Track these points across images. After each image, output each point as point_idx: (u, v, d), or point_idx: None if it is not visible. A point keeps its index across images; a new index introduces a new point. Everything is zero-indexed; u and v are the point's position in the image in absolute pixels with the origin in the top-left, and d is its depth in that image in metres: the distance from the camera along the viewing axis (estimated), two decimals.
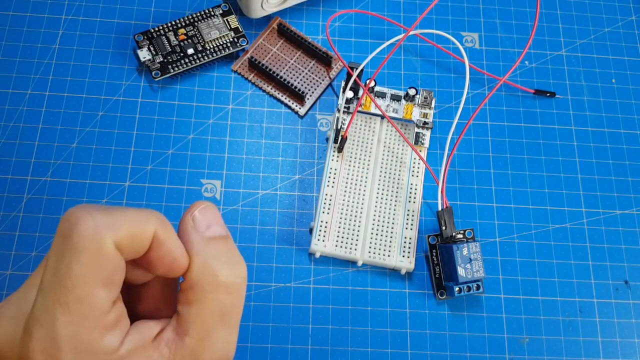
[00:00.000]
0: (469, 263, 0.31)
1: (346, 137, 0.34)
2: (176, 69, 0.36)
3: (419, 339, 0.32)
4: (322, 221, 0.33)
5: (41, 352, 0.17)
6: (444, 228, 0.32)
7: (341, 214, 0.33)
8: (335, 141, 0.34)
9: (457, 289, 0.31)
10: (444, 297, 0.33)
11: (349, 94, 0.34)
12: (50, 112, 0.35)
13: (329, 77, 0.37)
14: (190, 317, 0.19)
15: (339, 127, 0.34)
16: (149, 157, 0.35)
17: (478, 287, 0.31)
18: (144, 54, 0.36)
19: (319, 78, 0.37)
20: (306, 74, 0.37)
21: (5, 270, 0.32)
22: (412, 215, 0.34)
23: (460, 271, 0.30)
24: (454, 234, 0.32)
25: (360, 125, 0.35)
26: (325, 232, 0.33)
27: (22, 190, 0.34)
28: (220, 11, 0.37)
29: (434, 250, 0.33)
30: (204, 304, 0.19)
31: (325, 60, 0.37)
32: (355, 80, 0.34)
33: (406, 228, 0.33)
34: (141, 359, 0.18)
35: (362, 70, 0.34)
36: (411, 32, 0.34)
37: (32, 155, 0.34)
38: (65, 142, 0.35)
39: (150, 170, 0.34)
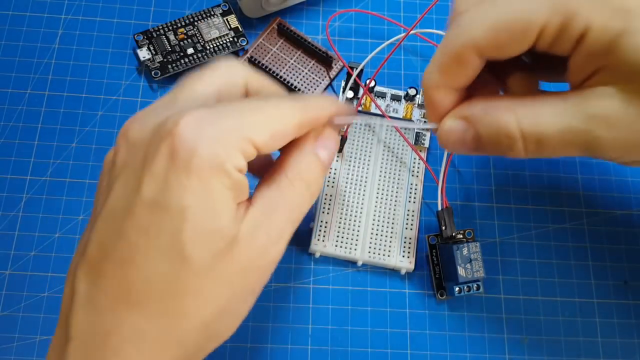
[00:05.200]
0: (469, 263, 0.31)
1: (346, 137, 0.34)
2: (176, 68, 0.36)
3: (419, 339, 0.32)
4: (322, 221, 0.33)
5: None
6: (443, 228, 0.32)
7: (341, 214, 0.33)
8: None
9: (457, 289, 0.31)
10: (444, 297, 0.32)
11: (349, 93, 0.34)
12: (49, 111, 0.35)
13: (329, 77, 0.37)
14: (258, 188, 0.22)
15: None
16: None
17: (478, 287, 0.31)
18: (144, 54, 0.36)
19: (319, 78, 0.37)
20: (306, 73, 0.37)
21: (4, 270, 0.32)
22: (412, 215, 0.33)
23: (460, 271, 0.30)
24: (454, 234, 0.32)
25: (361, 125, 0.35)
26: (325, 232, 0.33)
27: (22, 190, 0.34)
28: (220, 11, 0.37)
29: (434, 250, 0.33)
30: (279, 187, 0.22)
31: (325, 60, 0.37)
32: (355, 80, 0.34)
33: (406, 228, 0.33)
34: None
35: (362, 70, 0.34)
36: (411, 32, 0.34)
37: (31, 154, 0.34)
38: (65, 141, 0.35)
39: None
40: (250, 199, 0.22)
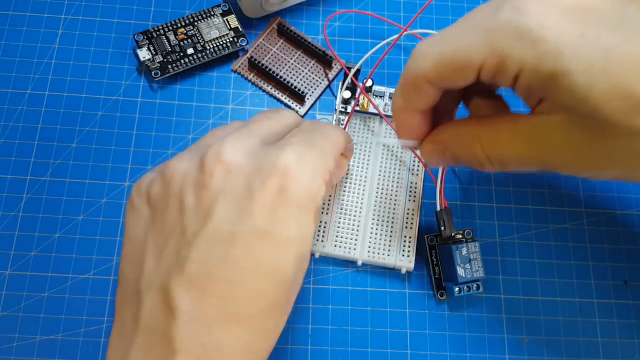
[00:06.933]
0: (469, 263, 0.31)
1: None
2: (176, 68, 0.36)
3: (419, 339, 0.32)
4: (321, 221, 0.33)
5: None
6: (442, 228, 0.32)
7: (340, 214, 0.33)
8: None
9: (456, 289, 0.31)
10: (443, 297, 0.32)
11: (346, 93, 0.34)
12: (49, 111, 0.35)
13: (329, 77, 0.37)
14: None
15: None
16: (149, 157, 0.35)
17: (478, 287, 0.31)
18: (144, 54, 0.36)
19: (319, 78, 0.37)
20: (306, 73, 0.37)
21: (4, 270, 0.32)
22: (412, 214, 0.33)
23: (460, 271, 0.30)
24: (453, 234, 0.32)
25: (359, 125, 0.35)
26: (324, 232, 0.33)
27: (22, 190, 0.34)
28: (220, 11, 0.37)
29: (434, 251, 0.33)
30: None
31: (325, 60, 0.37)
32: (351, 79, 0.34)
33: (406, 227, 0.33)
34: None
35: (359, 70, 0.34)
36: (408, 32, 0.34)
37: (31, 154, 0.34)
38: (65, 141, 0.35)
39: (151, 169, 0.34)
40: None
